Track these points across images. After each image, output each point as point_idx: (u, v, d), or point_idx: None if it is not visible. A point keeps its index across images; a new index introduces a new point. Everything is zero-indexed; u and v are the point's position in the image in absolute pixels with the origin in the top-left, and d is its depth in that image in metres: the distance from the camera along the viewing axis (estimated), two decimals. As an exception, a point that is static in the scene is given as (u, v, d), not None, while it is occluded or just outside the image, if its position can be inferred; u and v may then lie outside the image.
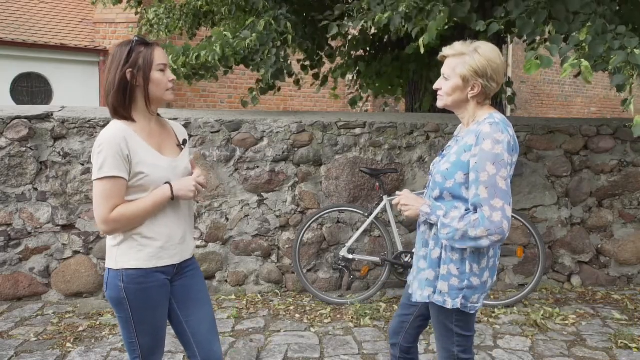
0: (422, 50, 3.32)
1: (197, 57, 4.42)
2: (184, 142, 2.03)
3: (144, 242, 1.85)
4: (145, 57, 1.82)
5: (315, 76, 5.82)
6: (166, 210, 1.88)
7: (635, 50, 2.73)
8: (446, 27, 3.30)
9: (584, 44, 2.82)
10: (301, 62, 5.75)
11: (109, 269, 1.87)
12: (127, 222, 1.80)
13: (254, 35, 4.32)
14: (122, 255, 1.84)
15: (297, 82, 5.65)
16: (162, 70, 1.86)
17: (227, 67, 4.59)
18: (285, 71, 4.70)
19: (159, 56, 1.85)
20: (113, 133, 1.79)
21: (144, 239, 1.85)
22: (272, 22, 4.39)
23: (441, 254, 1.93)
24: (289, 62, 4.83)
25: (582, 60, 2.75)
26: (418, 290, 2.01)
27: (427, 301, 1.98)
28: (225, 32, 4.36)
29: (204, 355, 1.99)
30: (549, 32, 3.08)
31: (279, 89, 5.45)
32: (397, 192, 2.08)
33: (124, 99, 1.83)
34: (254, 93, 5.27)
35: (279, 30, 4.44)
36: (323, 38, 5.47)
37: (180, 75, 4.61)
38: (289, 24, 4.43)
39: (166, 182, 1.86)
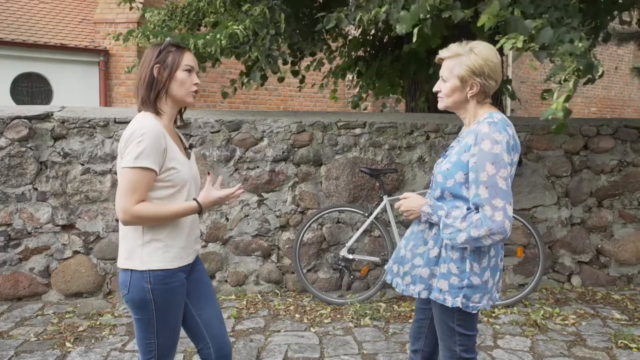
0: (413, 39, 3.25)
1: (195, 47, 4.40)
2: (190, 146, 2.10)
3: (169, 242, 1.88)
4: (175, 56, 1.89)
5: (294, 73, 5.80)
6: None
7: (578, 42, 2.70)
8: (427, 17, 3.24)
9: (534, 31, 2.82)
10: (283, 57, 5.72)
11: (131, 270, 1.86)
12: (147, 220, 1.81)
13: (247, 21, 4.32)
14: (148, 256, 1.85)
15: (281, 80, 5.64)
16: (189, 71, 1.91)
17: (217, 59, 4.61)
18: (280, 59, 4.69)
19: (188, 58, 1.92)
20: (154, 124, 1.81)
21: (169, 239, 1.88)
22: (267, 10, 4.40)
23: (440, 252, 1.94)
24: (282, 51, 4.83)
25: (518, 35, 2.75)
26: (411, 285, 2.04)
27: (417, 296, 2.01)
28: (231, 25, 4.36)
29: (217, 347, 2.06)
30: (513, 13, 3.05)
31: (263, 83, 5.42)
32: (399, 197, 2.08)
33: (150, 93, 1.87)
34: (235, 85, 5.27)
35: (274, 18, 4.45)
36: (314, 34, 5.46)
37: None
38: (282, 14, 4.43)
39: (194, 199, 1.91)
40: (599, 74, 2.73)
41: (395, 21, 3.36)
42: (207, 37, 4.42)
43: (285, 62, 5.00)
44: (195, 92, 1.95)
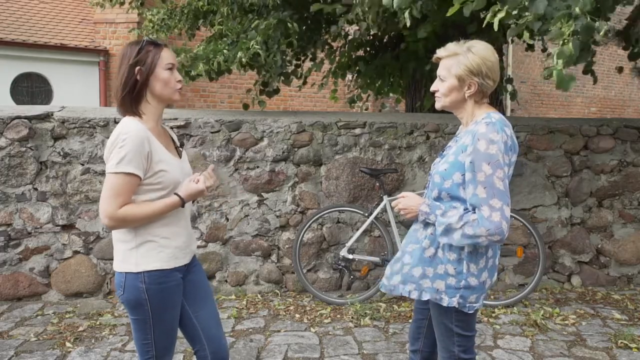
0: (407, 22, 3.11)
1: (218, 63, 4.43)
2: (182, 145, 2.08)
3: (163, 242, 1.88)
4: (154, 55, 1.86)
5: (297, 75, 5.82)
6: (180, 211, 1.92)
7: (575, 7, 2.48)
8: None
9: (526, 2, 2.62)
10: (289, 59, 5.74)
11: (125, 272, 1.86)
12: (132, 222, 1.81)
13: (259, 37, 4.32)
14: (142, 257, 1.85)
15: (288, 82, 5.67)
16: (170, 69, 1.89)
17: (229, 70, 4.62)
18: (291, 76, 4.70)
19: (167, 56, 1.89)
20: (137, 129, 1.79)
21: (163, 239, 1.88)
22: (276, 23, 4.40)
23: (436, 253, 1.93)
24: (293, 64, 4.84)
25: (503, 6, 2.57)
26: (401, 284, 2.02)
27: (407, 296, 2.00)
28: (248, 42, 4.35)
29: (214, 349, 2.04)
30: None
31: (279, 91, 5.47)
32: (397, 196, 2.08)
33: (131, 95, 1.85)
34: (261, 97, 5.27)
35: (284, 32, 4.46)
36: (319, 36, 5.47)
37: (188, 77, 4.62)
38: (295, 25, 4.43)
39: (175, 193, 1.88)
40: (602, 33, 2.48)
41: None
42: (226, 51, 4.42)
43: (296, 74, 5.02)
44: (180, 89, 1.93)
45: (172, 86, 1.89)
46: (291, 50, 4.71)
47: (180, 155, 2.01)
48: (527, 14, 2.60)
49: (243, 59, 4.32)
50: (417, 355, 2.21)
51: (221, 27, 5.10)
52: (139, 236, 1.85)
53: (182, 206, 1.88)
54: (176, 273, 1.92)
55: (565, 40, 2.47)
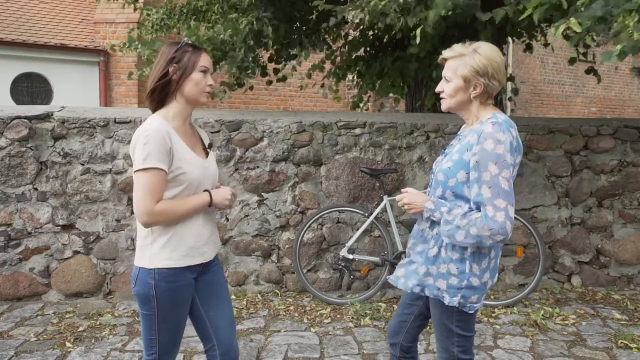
0: (417, 40, 3.17)
1: None
2: (210, 145, 2.10)
3: (177, 241, 1.90)
4: (191, 56, 1.91)
5: (275, 71, 5.83)
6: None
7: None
8: (449, 12, 3.17)
9: (582, 8, 2.63)
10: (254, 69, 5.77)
11: (139, 267, 1.90)
12: (168, 217, 1.84)
13: (227, 31, 4.36)
14: (155, 255, 1.88)
15: (285, 79, 5.71)
16: (204, 72, 1.93)
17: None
18: (249, 70, 4.76)
19: (204, 59, 1.94)
20: (158, 126, 1.83)
21: (176, 238, 1.90)
22: (254, 22, 4.44)
23: (439, 252, 1.94)
24: (259, 61, 4.86)
25: (572, 19, 2.57)
26: (402, 278, 2.05)
27: (409, 291, 2.02)
28: (211, 25, 4.42)
29: (223, 351, 2.05)
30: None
31: (252, 88, 5.52)
32: (402, 190, 2.08)
33: (160, 90, 1.90)
34: (223, 87, 5.33)
35: (256, 29, 4.49)
36: (307, 35, 5.49)
37: None
38: (270, 28, 4.47)
39: (205, 190, 1.94)
40: None
41: (395, 16, 3.32)
42: (189, 30, 4.47)
43: (264, 74, 5.05)
44: (209, 92, 1.97)
45: (201, 87, 1.93)
46: (259, 47, 4.74)
47: (207, 156, 2.04)
48: (588, 21, 2.60)
49: (202, 39, 4.34)
50: (397, 348, 2.22)
51: (216, 25, 5.13)
52: (154, 233, 1.88)
53: (210, 205, 1.93)
54: (187, 273, 1.93)
55: (630, 31, 2.44)
